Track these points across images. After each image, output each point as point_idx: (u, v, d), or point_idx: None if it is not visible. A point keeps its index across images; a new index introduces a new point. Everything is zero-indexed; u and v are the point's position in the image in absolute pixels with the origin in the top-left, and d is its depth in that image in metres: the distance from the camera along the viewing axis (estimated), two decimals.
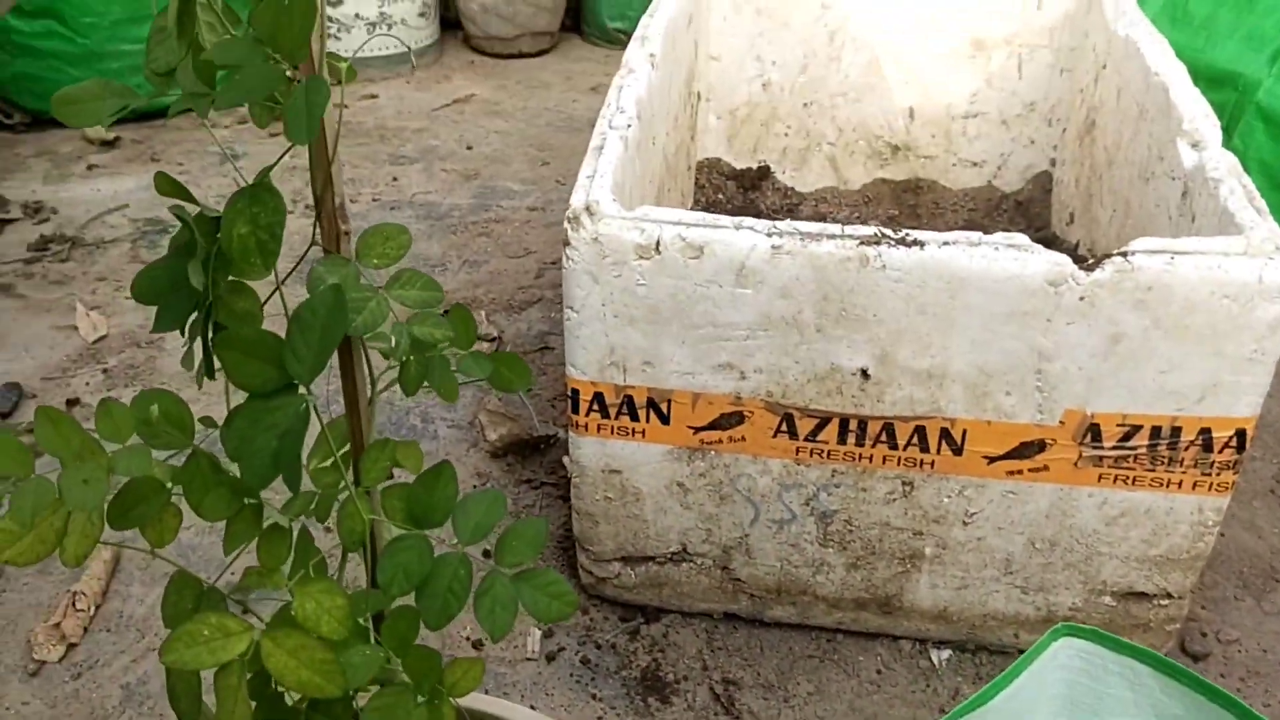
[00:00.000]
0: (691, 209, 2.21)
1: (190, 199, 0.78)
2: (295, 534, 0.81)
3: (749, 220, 1.21)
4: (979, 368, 1.21)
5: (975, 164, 2.21)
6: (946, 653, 1.45)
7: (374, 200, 2.65)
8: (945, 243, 1.17)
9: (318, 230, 0.85)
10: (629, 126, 1.41)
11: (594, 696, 1.40)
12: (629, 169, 1.41)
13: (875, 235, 1.18)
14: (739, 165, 2.29)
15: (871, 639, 1.48)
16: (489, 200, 2.68)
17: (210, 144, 2.87)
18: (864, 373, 1.24)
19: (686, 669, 1.43)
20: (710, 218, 1.22)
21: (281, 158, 0.92)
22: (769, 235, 1.19)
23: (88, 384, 1.96)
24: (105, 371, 2.00)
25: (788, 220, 1.21)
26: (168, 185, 0.76)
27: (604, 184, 1.26)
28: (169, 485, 0.75)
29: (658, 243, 1.20)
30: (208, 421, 0.77)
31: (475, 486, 1.74)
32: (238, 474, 0.79)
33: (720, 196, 2.28)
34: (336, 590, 0.76)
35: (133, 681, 1.40)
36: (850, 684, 1.42)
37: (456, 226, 2.55)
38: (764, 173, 2.29)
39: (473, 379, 0.92)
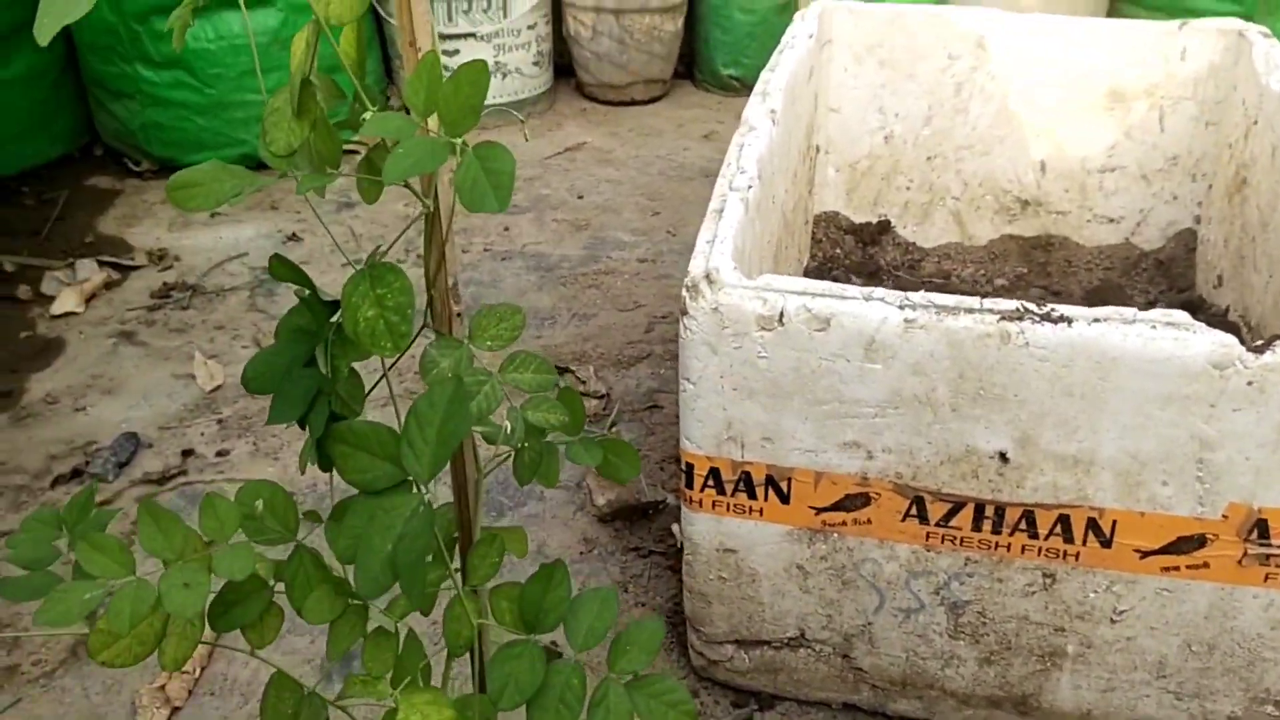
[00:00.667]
0: (808, 264, 2.15)
1: (306, 282, 0.75)
2: (402, 637, 0.76)
3: (879, 291, 1.14)
4: (1132, 455, 1.11)
5: (1112, 220, 2.10)
6: None
7: (485, 250, 2.65)
8: (1096, 319, 1.08)
9: (428, 312, 0.81)
10: (750, 188, 1.35)
11: None
12: (749, 232, 1.35)
13: (1018, 310, 1.10)
14: (858, 219, 2.22)
15: None
16: (599, 251, 2.65)
17: (328, 192, 2.91)
18: (1003, 456, 1.15)
19: None
20: (837, 288, 1.15)
21: (402, 233, 0.88)
22: (901, 308, 1.12)
23: (203, 434, 1.98)
24: (220, 422, 2.01)
25: (921, 292, 1.14)
26: (283, 270, 0.73)
27: (724, 250, 1.20)
28: (270, 583, 0.71)
29: (781, 313, 1.14)
30: (312, 516, 0.73)
31: (582, 553, 1.69)
32: (342, 571, 0.75)
33: (838, 251, 2.20)
34: (443, 701, 0.71)
35: None
36: None
37: (567, 278, 2.52)
38: (884, 227, 2.21)
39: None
